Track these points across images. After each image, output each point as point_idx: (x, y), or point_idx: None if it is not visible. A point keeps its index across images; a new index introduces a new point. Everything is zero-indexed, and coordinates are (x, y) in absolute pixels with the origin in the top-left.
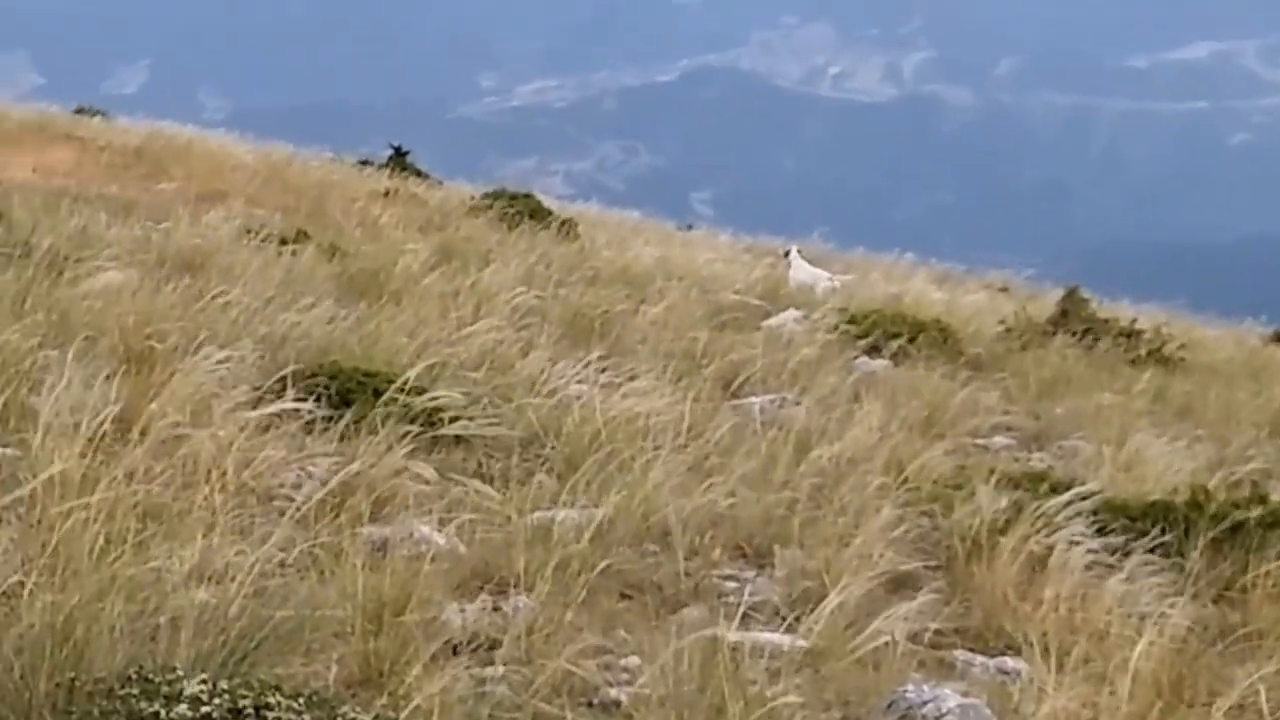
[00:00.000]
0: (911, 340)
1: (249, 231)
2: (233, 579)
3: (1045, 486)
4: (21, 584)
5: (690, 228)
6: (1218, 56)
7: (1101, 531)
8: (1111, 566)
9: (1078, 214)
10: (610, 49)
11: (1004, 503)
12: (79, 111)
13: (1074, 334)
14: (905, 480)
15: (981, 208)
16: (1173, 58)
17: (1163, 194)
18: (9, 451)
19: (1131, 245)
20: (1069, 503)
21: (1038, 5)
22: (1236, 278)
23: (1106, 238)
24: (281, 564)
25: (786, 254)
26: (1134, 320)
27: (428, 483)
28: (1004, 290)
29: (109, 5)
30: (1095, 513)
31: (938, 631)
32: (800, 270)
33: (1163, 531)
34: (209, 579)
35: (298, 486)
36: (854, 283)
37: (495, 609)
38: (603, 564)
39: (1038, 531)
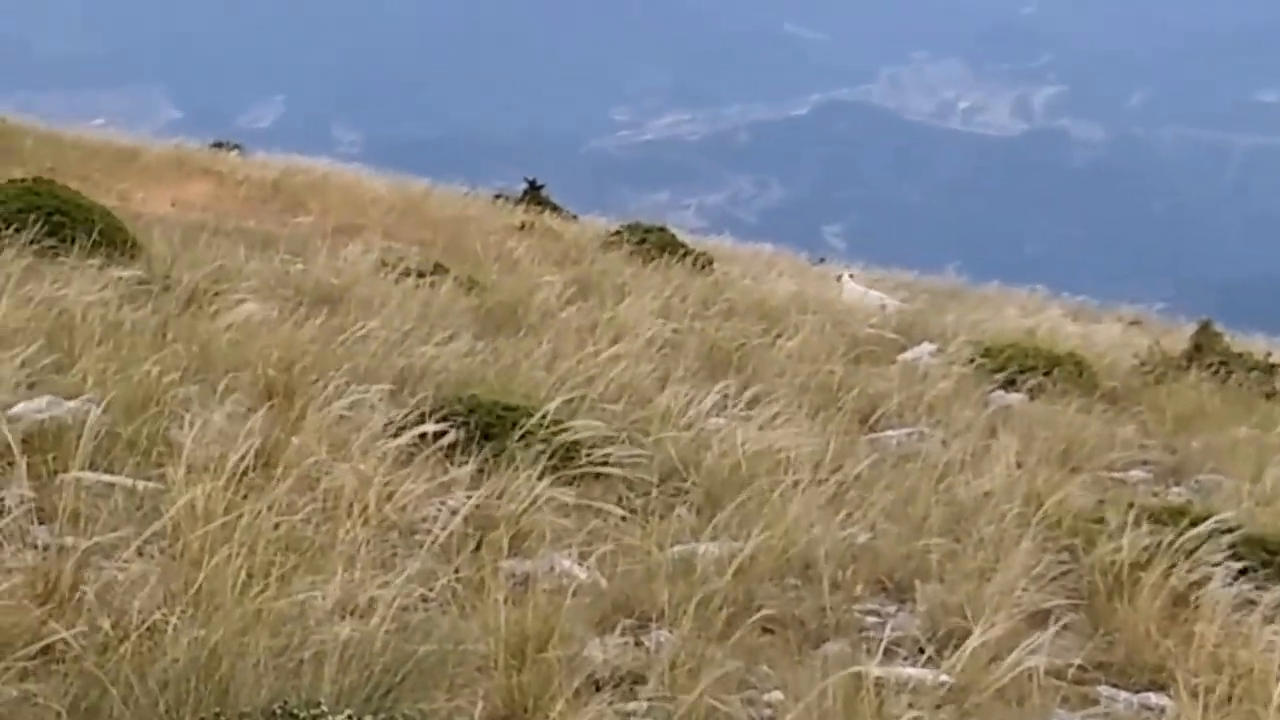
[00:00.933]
0: (1047, 374)
1: (386, 265)
2: (376, 613)
3: (1185, 521)
4: (165, 619)
5: (823, 260)
6: None
7: (1243, 567)
8: (1254, 602)
9: (1207, 248)
10: (742, 84)
11: (1144, 538)
12: (216, 146)
13: (1208, 368)
14: (1044, 514)
15: (1111, 241)
16: None
17: None
18: (150, 485)
19: (1261, 280)
20: (1209, 535)
21: (1168, 40)
22: None
23: (1236, 272)
24: (424, 598)
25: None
26: (1268, 355)
27: (568, 515)
28: (1136, 324)
29: (245, 41)
30: (1234, 547)
31: (1080, 667)
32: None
33: None
34: (352, 613)
35: (438, 520)
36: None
37: (637, 643)
38: (745, 599)
39: (1176, 566)
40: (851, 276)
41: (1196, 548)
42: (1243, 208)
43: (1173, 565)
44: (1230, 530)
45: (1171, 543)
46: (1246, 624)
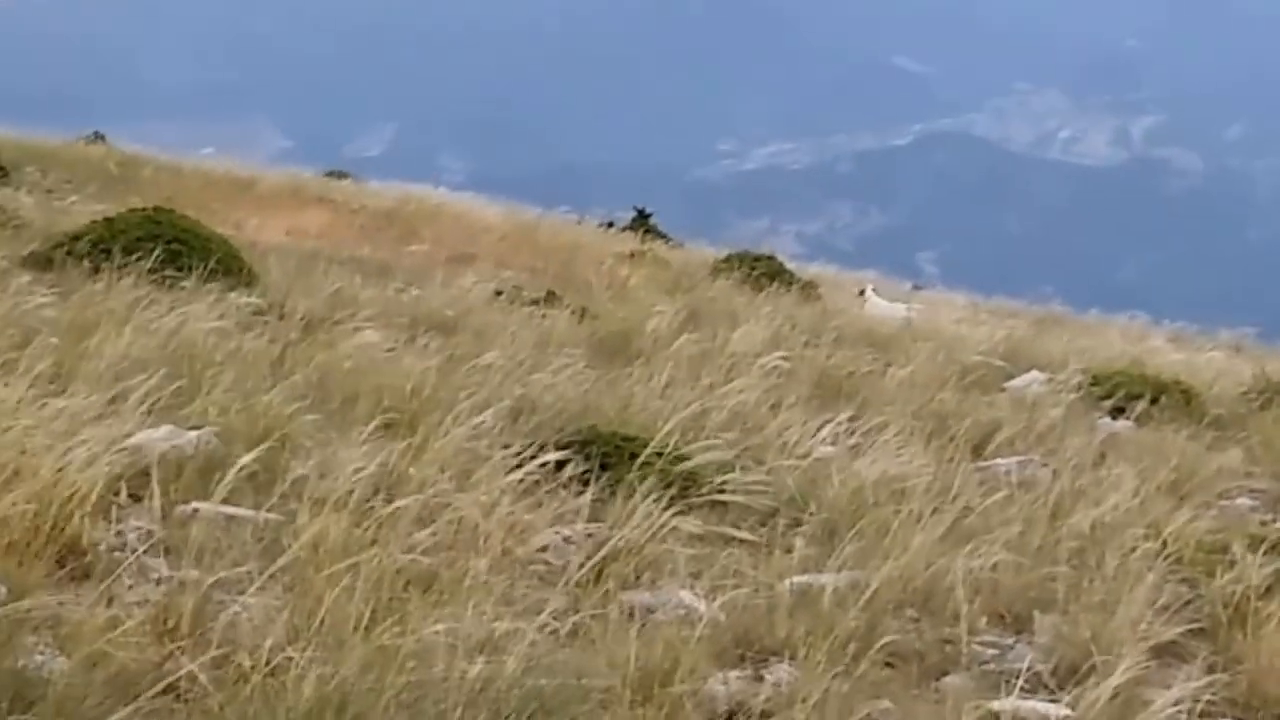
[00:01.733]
0: (1154, 401)
1: (499, 293)
2: (502, 649)
3: None
4: (290, 657)
5: (919, 288)
6: None
7: None
8: None
9: None
10: (847, 114)
11: (1265, 568)
12: (330, 175)
13: None
14: (1164, 545)
15: (1203, 268)
16: None
17: None
18: (273, 516)
19: None
20: None
21: (1266, 74)
22: None
23: None
24: (550, 632)
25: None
26: None
27: (688, 546)
28: (1237, 350)
29: (353, 70)
30: None
31: (1207, 700)
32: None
33: None
34: (478, 649)
35: (559, 552)
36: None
37: (758, 678)
38: (866, 631)
39: None
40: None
41: None
42: None
43: None
44: None
45: None
46: None
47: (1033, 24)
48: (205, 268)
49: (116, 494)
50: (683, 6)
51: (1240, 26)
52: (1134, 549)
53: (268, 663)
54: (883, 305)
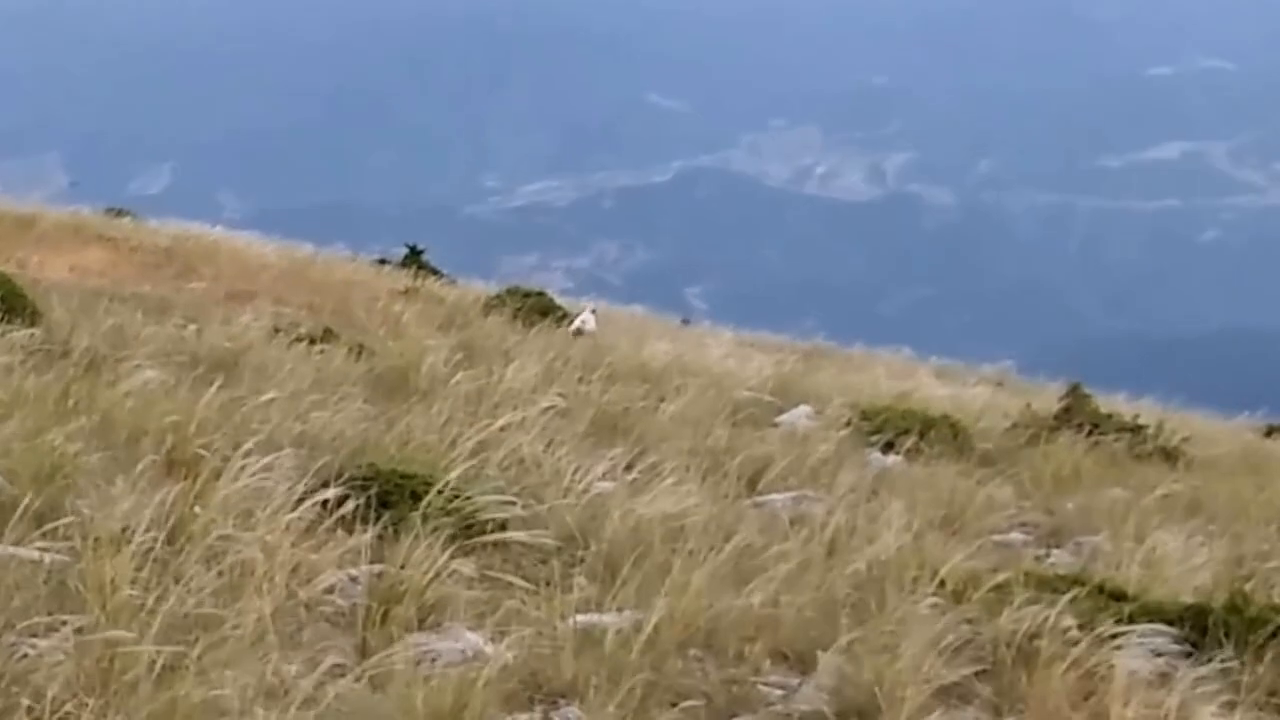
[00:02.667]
0: (922, 436)
1: (278, 330)
2: (292, 696)
3: (1078, 589)
4: (83, 703)
5: (687, 322)
6: (1188, 157)
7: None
8: (1166, 675)
9: (1056, 308)
10: (608, 152)
11: (1045, 608)
12: (110, 212)
13: (1079, 429)
14: (941, 583)
15: (963, 302)
16: (1145, 157)
17: (1138, 288)
18: (59, 558)
19: (1108, 337)
20: (1102, 607)
21: (1014, 109)
22: (1210, 370)
23: (1084, 330)
24: (339, 676)
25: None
26: (1136, 416)
27: (470, 587)
28: (1000, 384)
29: (134, 111)
30: (1132, 618)
31: None
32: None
33: (1201, 634)
34: (267, 695)
35: (345, 592)
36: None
37: None
38: (651, 671)
39: (1079, 639)
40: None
41: (1092, 617)
42: (1089, 268)
43: (1074, 636)
44: (1124, 598)
45: (1068, 609)
46: (1151, 696)
47: (783, 61)
48: None
49: None
50: (443, 45)
51: (984, 64)
52: (913, 587)
53: (54, 712)
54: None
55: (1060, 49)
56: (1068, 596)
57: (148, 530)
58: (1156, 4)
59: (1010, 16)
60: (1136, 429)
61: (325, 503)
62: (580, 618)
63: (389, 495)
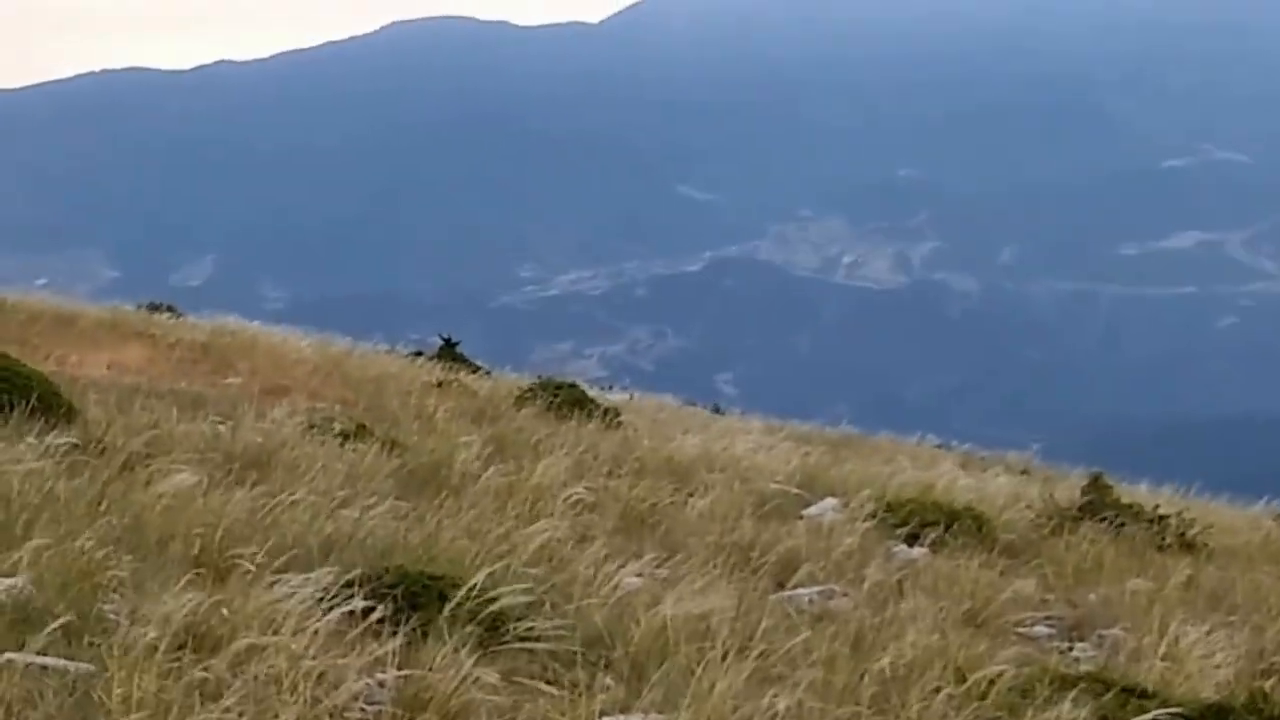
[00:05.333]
0: (947, 528)
1: (312, 426)
2: None
3: (1102, 688)
4: None
5: (718, 409)
6: (1205, 246)
7: None
8: None
9: (1078, 392)
10: (640, 242)
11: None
12: (150, 308)
13: (1101, 520)
14: (966, 685)
15: (987, 387)
16: (1163, 246)
17: (1157, 373)
18: (85, 667)
19: (1129, 421)
20: (1123, 704)
21: (1036, 200)
22: (1229, 453)
23: (1105, 414)
24: None
25: None
26: (1156, 506)
27: (496, 692)
28: (1025, 473)
29: (178, 204)
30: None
31: None
32: None
33: None
34: None
35: (370, 699)
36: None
37: None
38: None
39: None
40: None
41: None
42: (1109, 354)
43: None
44: (1145, 695)
45: (1097, 714)
46: None
47: (811, 154)
48: (26, 405)
49: None
50: (480, 141)
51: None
52: (938, 688)
53: None
54: None
55: (1080, 142)
56: (1089, 693)
57: (174, 638)
58: (1172, 99)
59: (1032, 111)
60: (1158, 519)
61: (352, 606)
62: None
63: (416, 597)
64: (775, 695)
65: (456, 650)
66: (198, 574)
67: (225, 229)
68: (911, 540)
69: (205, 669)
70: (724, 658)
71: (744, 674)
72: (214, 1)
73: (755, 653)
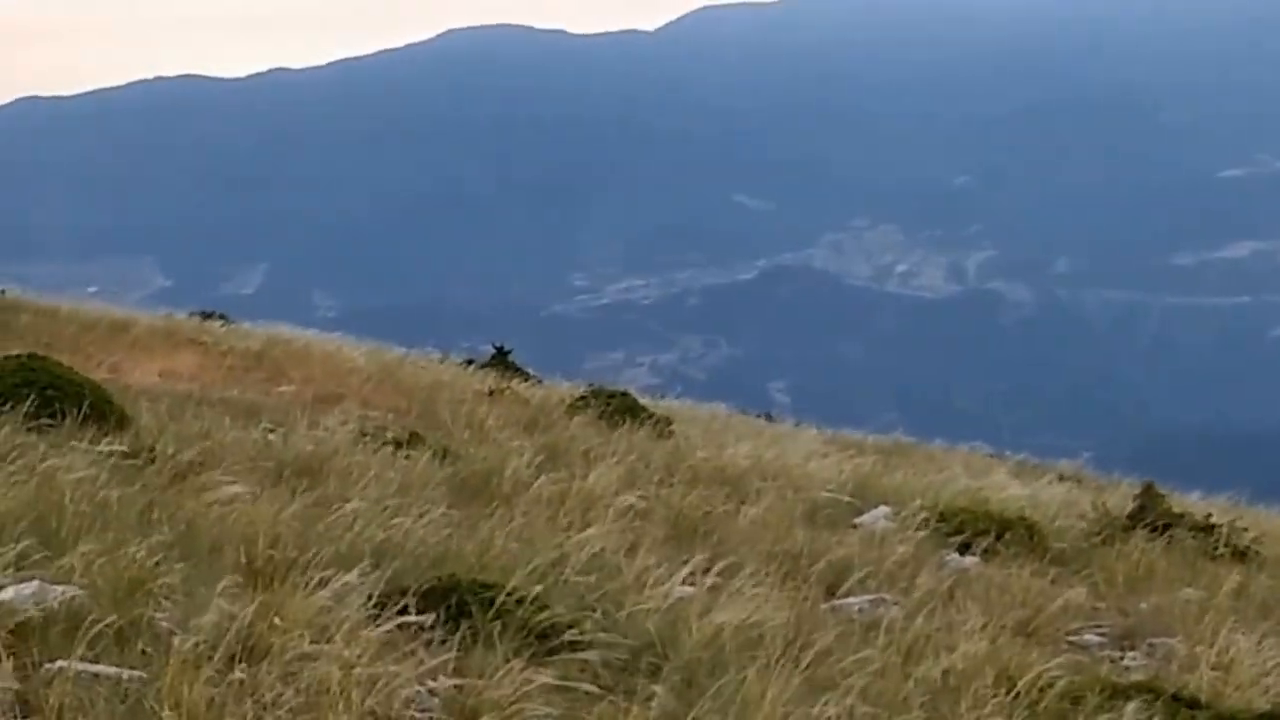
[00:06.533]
0: (999, 537)
1: (364, 434)
2: None
3: (1153, 697)
4: None
5: (770, 418)
6: (1259, 256)
7: None
8: None
9: (1130, 402)
10: (694, 251)
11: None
12: (203, 316)
13: (1152, 528)
14: (1017, 694)
15: (1039, 396)
16: (1217, 256)
17: (1210, 383)
18: (136, 673)
19: (1180, 431)
20: (1174, 714)
21: (1090, 209)
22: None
23: (1157, 424)
24: None
25: None
26: (1208, 515)
27: (548, 700)
28: (1077, 481)
29: (230, 213)
30: None
31: None
32: None
33: None
34: None
35: (421, 706)
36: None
37: None
38: None
39: None
40: None
41: None
42: (1162, 364)
43: None
44: (1198, 706)
45: None
46: None
47: (865, 163)
48: (78, 413)
49: None
50: (533, 150)
51: (1061, 165)
52: (992, 695)
53: None
54: None
55: (1135, 151)
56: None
57: (225, 646)
58: (1228, 108)
59: (1087, 120)
60: (1209, 528)
61: (404, 614)
62: None
63: (468, 605)
64: (826, 703)
65: (508, 658)
66: (249, 581)
67: (278, 237)
68: (963, 549)
69: (256, 677)
70: (775, 665)
71: (795, 682)
72: (269, 8)
73: (806, 660)
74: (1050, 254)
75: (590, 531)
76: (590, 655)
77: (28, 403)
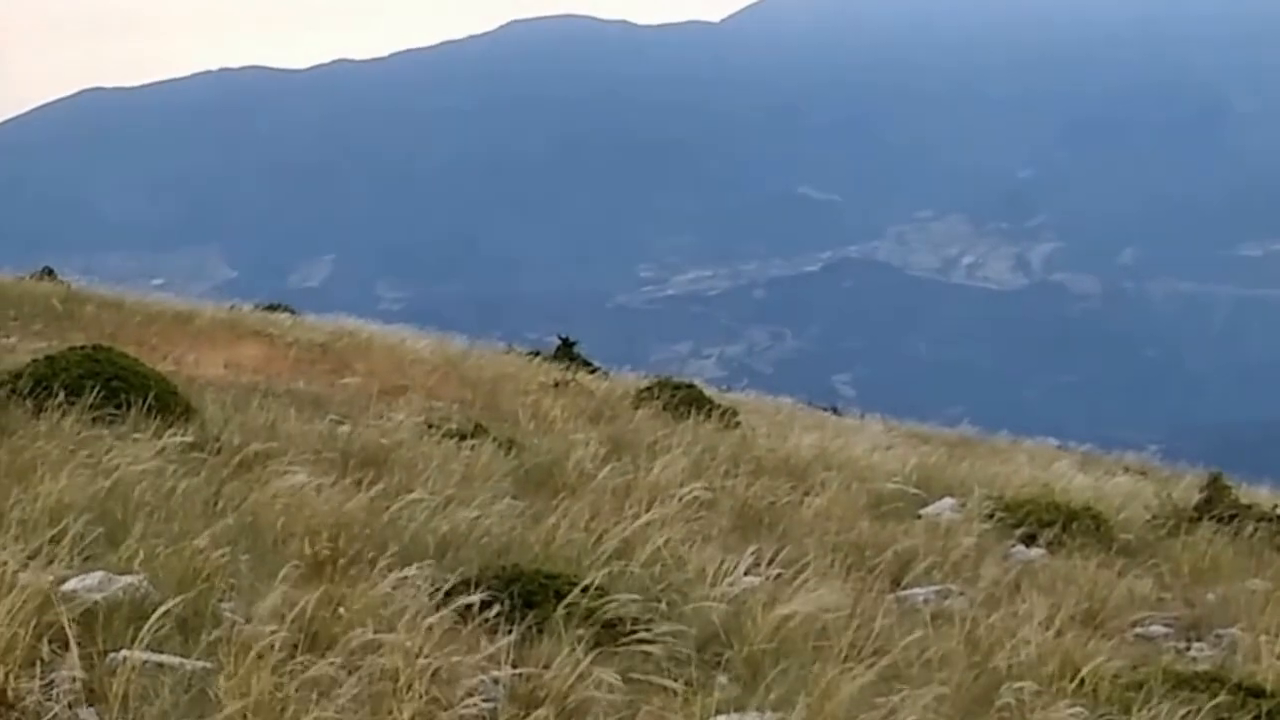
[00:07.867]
0: (1065, 528)
1: (429, 426)
2: None
3: (1216, 686)
4: None
5: (836, 410)
6: None
7: None
8: None
9: (1197, 394)
10: (759, 243)
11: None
12: (268, 308)
13: (1219, 519)
14: (1081, 681)
15: (1105, 388)
16: None
17: (1276, 375)
18: (200, 664)
19: (1247, 423)
20: (1240, 704)
21: (1157, 200)
22: None
23: (1224, 416)
24: None
25: None
26: (1275, 506)
27: (612, 690)
28: (1143, 474)
29: (295, 205)
30: (1270, 715)
31: None
32: None
33: None
34: None
35: (485, 695)
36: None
37: None
38: None
39: None
40: None
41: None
42: (1229, 355)
43: None
44: (1259, 693)
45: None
46: None
47: (931, 155)
48: (143, 404)
49: (51, 642)
50: (600, 144)
51: (1127, 156)
52: (1054, 686)
53: None
54: None
55: (1202, 142)
56: (1206, 694)
57: (289, 635)
58: None
59: (1153, 110)
60: (1276, 519)
61: (469, 604)
62: (722, 718)
63: (533, 595)
64: (892, 693)
65: (572, 648)
66: (313, 572)
67: (343, 230)
68: (1029, 540)
69: (320, 666)
70: (840, 655)
71: (864, 675)
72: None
73: (871, 651)
74: (1116, 245)
75: (652, 515)
76: (654, 646)
77: (93, 394)
